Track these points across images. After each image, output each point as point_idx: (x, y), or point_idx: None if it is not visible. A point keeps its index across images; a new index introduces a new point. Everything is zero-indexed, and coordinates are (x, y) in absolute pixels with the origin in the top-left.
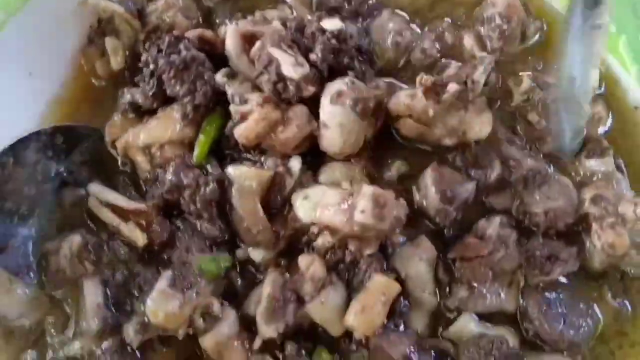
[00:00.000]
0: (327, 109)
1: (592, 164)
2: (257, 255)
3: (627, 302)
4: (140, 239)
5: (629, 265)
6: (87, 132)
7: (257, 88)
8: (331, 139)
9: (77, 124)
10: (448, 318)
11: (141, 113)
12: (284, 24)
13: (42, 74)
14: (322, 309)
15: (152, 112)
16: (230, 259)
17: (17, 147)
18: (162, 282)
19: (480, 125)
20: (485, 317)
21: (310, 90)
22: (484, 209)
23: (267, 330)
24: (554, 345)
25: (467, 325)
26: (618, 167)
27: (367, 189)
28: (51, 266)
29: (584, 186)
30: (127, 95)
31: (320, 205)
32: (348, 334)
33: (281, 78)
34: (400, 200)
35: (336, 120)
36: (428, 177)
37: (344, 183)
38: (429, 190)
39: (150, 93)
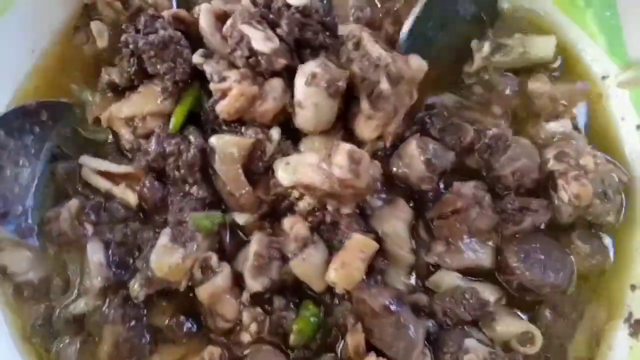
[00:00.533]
0: (302, 90)
1: (552, 126)
2: (241, 218)
3: (596, 246)
4: (132, 199)
5: (593, 215)
6: (69, 107)
7: (233, 65)
8: (306, 117)
9: (59, 100)
10: (431, 272)
11: (119, 92)
12: (253, 1)
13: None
14: (305, 265)
15: (131, 89)
16: (221, 217)
17: (5, 120)
18: (164, 237)
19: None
20: (470, 275)
21: (281, 62)
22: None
23: (254, 284)
24: (538, 291)
25: (444, 277)
26: (575, 127)
27: (344, 145)
28: (53, 231)
29: (546, 147)
30: (105, 75)
31: (299, 165)
32: (331, 290)
33: (253, 53)
34: (375, 162)
35: (311, 100)
36: (414, 148)
37: (324, 151)
38: (414, 159)
39: (132, 71)
